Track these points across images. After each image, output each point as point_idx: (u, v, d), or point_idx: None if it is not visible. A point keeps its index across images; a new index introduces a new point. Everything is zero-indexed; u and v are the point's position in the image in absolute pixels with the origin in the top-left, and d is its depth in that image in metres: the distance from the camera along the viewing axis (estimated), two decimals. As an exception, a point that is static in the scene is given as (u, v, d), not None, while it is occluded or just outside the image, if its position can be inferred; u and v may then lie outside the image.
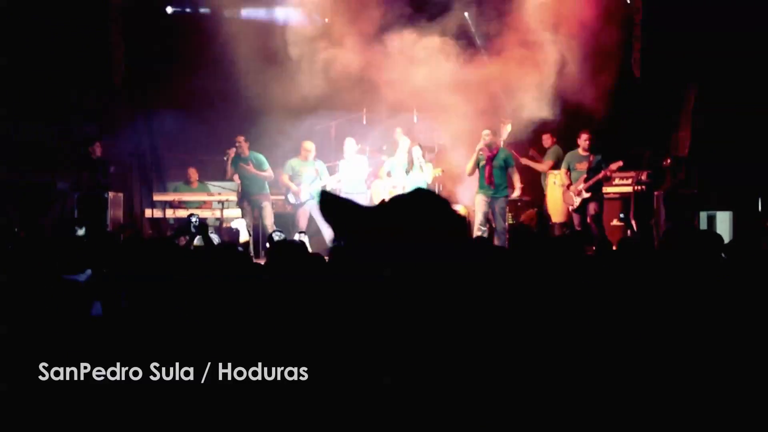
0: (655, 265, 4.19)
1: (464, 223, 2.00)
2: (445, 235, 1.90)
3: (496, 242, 9.52)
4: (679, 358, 2.87)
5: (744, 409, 2.65)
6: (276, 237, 9.85)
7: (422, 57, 10.79)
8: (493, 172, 9.92)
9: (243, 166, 10.88)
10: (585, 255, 5.84)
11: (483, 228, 9.90)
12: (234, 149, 10.99)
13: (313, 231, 10.35)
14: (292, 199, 10.86)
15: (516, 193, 10.37)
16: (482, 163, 9.95)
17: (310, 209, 10.74)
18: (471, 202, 10.48)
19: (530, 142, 11.83)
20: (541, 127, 11.46)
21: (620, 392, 2.63)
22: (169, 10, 12.71)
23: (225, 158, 11.18)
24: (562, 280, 3.66)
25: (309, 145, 11.00)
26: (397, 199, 1.98)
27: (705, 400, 2.66)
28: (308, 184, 10.73)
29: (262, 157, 11.02)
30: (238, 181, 11.13)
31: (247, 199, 10.94)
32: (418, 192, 1.97)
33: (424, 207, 1.90)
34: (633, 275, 4.03)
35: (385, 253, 1.87)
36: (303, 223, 10.70)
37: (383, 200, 2.03)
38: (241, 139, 11.00)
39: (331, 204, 1.98)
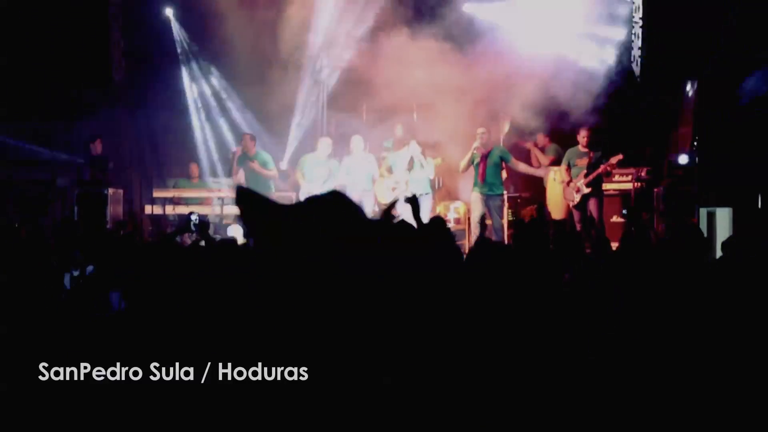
0: (654, 263, 4.20)
1: (374, 227, 2.05)
2: (354, 238, 1.94)
3: (494, 239, 9.53)
4: (676, 353, 2.87)
5: (743, 404, 2.65)
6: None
7: (421, 57, 10.77)
8: (487, 169, 9.92)
9: (249, 165, 10.80)
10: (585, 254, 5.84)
11: (480, 226, 9.90)
12: (240, 147, 10.94)
13: None
14: (303, 198, 10.69)
15: (541, 172, 10.72)
16: (477, 160, 9.95)
17: None
18: (469, 198, 10.50)
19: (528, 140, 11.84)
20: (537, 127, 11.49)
21: (617, 389, 2.63)
22: (170, 12, 12.70)
23: (230, 156, 11.15)
24: (556, 283, 3.67)
25: (325, 143, 10.87)
26: (312, 201, 2.01)
27: (704, 395, 2.66)
28: (320, 184, 10.61)
29: (268, 156, 10.97)
30: (242, 180, 11.08)
31: None
32: (333, 195, 2.00)
33: (336, 210, 1.94)
34: (633, 273, 4.03)
35: (293, 253, 1.91)
36: None
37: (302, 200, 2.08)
38: (248, 136, 10.93)
39: (245, 200, 2.01)
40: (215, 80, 12.96)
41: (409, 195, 5.82)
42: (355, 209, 1.97)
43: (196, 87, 13.07)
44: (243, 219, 2.05)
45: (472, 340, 2.46)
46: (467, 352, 2.36)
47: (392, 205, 5.43)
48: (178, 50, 12.83)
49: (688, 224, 8.10)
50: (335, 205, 1.96)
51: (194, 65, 12.93)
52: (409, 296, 2.10)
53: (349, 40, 11.37)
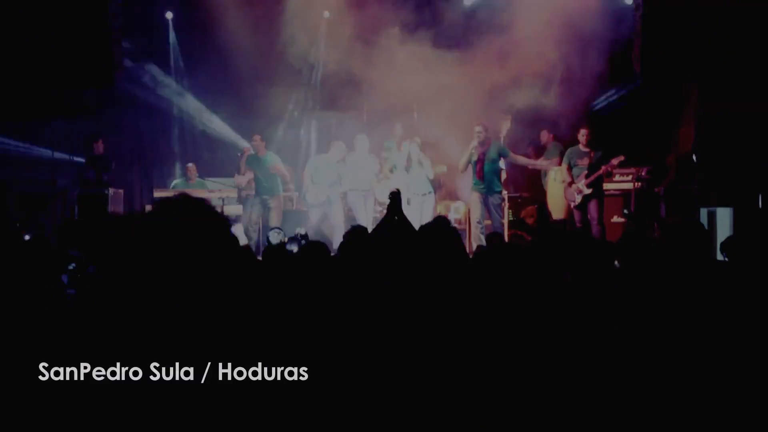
0: (654, 261, 4.19)
1: (226, 226, 2.08)
2: (205, 238, 1.97)
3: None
4: (675, 354, 2.87)
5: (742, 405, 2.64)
6: (275, 235, 9.81)
7: (420, 56, 10.75)
8: (485, 167, 9.87)
9: (267, 165, 10.67)
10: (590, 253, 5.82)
11: (481, 225, 9.87)
12: (250, 147, 10.86)
13: (315, 232, 10.25)
14: (309, 198, 10.72)
15: (542, 164, 10.81)
16: (474, 158, 9.88)
17: (325, 211, 10.62)
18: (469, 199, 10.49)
19: (528, 139, 11.84)
20: (539, 124, 11.50)
21: (616, 390, 2.62)
22: (169, 15, 12.71)
23: (239, 154, 11.09)
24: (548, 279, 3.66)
25: (338, 146, 10.74)
26: (162, 205, 2.05)
27: (703, 396, 2.66)
28: (327, 187, 10.58)
29: (277, 157, 10.93)
30: (246, 181, 11.03)
31: (258, 198, 10.79)
32: (181, 198, 2.03)
33: (185, 213, 1.96)
34: (633, 270, 4.03)
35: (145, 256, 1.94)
36: (314, 222, 10.60)
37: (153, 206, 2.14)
38: (258, 138, 10.82)
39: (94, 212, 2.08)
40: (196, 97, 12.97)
41: (395, 191, 5.80)
42: (205, 209, 2.00)
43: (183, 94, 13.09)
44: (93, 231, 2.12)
45: (472, 339, 2.45)
46: (468, 351, 2.35)
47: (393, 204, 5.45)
48: (171, 56, 12.86)
49: (689, 219, 8.10)
50: (184, 207, 1.98)
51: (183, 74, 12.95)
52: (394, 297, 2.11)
53: (346, 40, 11.34)
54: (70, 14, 10.24)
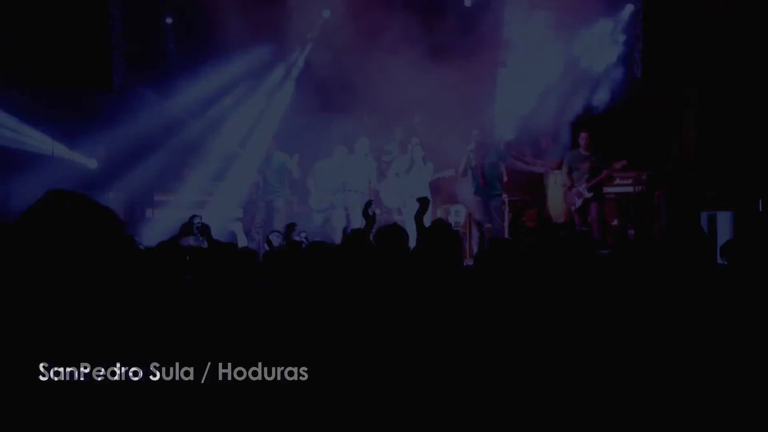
0: (651, 266, 4.19)
1: (112, 217, 2.05)
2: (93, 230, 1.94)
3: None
4: (675, 356, 2.87)
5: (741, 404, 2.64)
6: (275, 237, 9.81)
7: (421, 61, 10.74)
8: (485, 171, 9.88)
9: (272, 165, 10.66)
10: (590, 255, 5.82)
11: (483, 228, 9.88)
12: None
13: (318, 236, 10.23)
14: (313, 204, 10.70)
15: (539, 169, 10.85)
16: (473, 162, 9.89)
17: (328, 216, 10.62)
18: (470, 202, 10.49)
19: (527, 142, 11.85)
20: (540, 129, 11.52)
21: (616, 391, 2.62)
22: (169, 21, 12.70)
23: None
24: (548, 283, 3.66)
25: (341, 151, 10.71)
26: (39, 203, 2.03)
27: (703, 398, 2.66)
28: (331, 193, 10.57)
29: (287, 156, 10.94)
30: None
31: (264, 199, 10.75)
32: (54, 193, 2.01)
33: (63, 206, 1.95)
34: (630, 275, 4.02)
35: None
36: (316, 226, 10.58)
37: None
38: (269, 135, 10.80)
39: None
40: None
41: (420, 197, 5.81)
42: (88, 203, 1.98)
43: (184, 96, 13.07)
44: None
45: (473, 339, 2.45)
46: (468, 351, 2.35)
47: (369, 204, 5.46)
48: (170, 61, 12.85)
49: (689, 223, 8.09)
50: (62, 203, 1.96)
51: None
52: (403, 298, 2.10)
53: (346, 41, 11.33)
54: (70, 15, 10.23)
